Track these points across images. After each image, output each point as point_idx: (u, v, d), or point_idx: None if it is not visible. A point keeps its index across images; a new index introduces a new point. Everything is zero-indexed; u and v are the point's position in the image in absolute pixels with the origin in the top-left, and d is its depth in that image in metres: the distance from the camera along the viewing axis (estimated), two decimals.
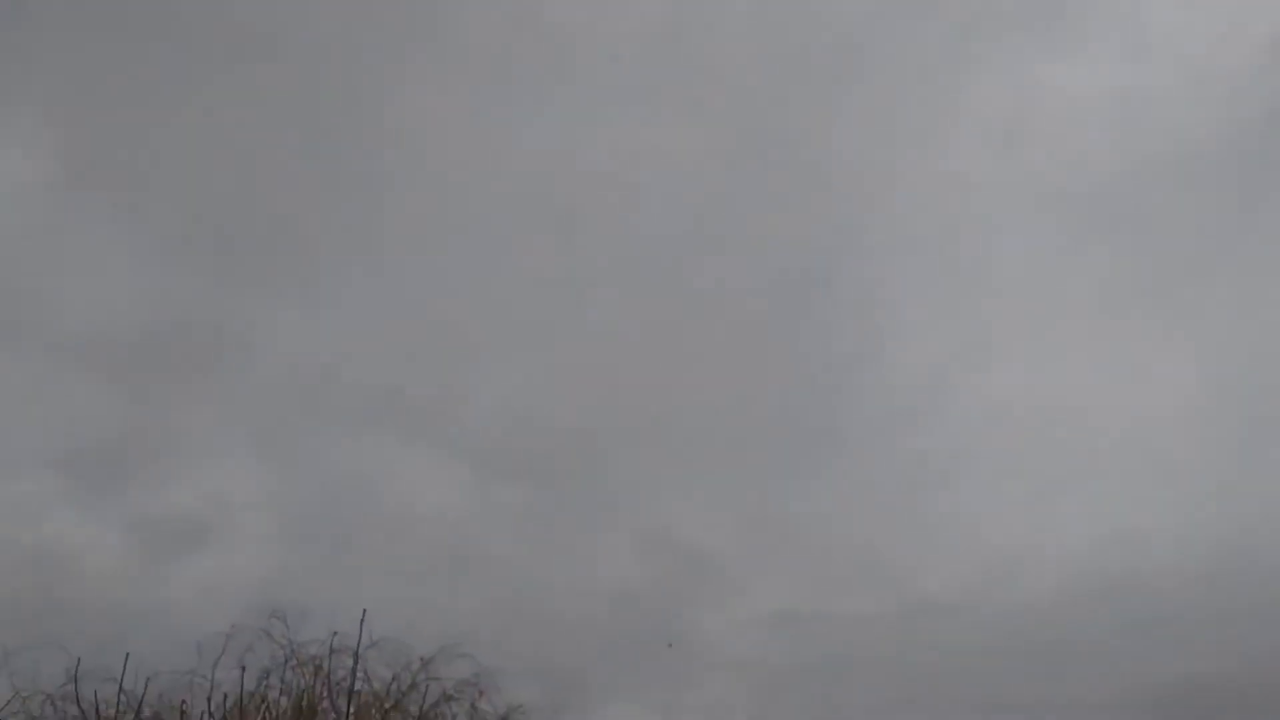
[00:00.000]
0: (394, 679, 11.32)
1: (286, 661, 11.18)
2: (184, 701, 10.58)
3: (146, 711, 10.76)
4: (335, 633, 11.46)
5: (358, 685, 11.04)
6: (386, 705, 11.15)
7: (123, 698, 10.81)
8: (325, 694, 11.07)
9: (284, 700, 10.97)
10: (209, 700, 10.64)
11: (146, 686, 10.74)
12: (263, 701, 10.86)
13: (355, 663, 11.20)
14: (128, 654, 10.85)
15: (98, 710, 10.75)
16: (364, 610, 11.31)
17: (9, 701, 10.65)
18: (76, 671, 10.76)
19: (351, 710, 10.90)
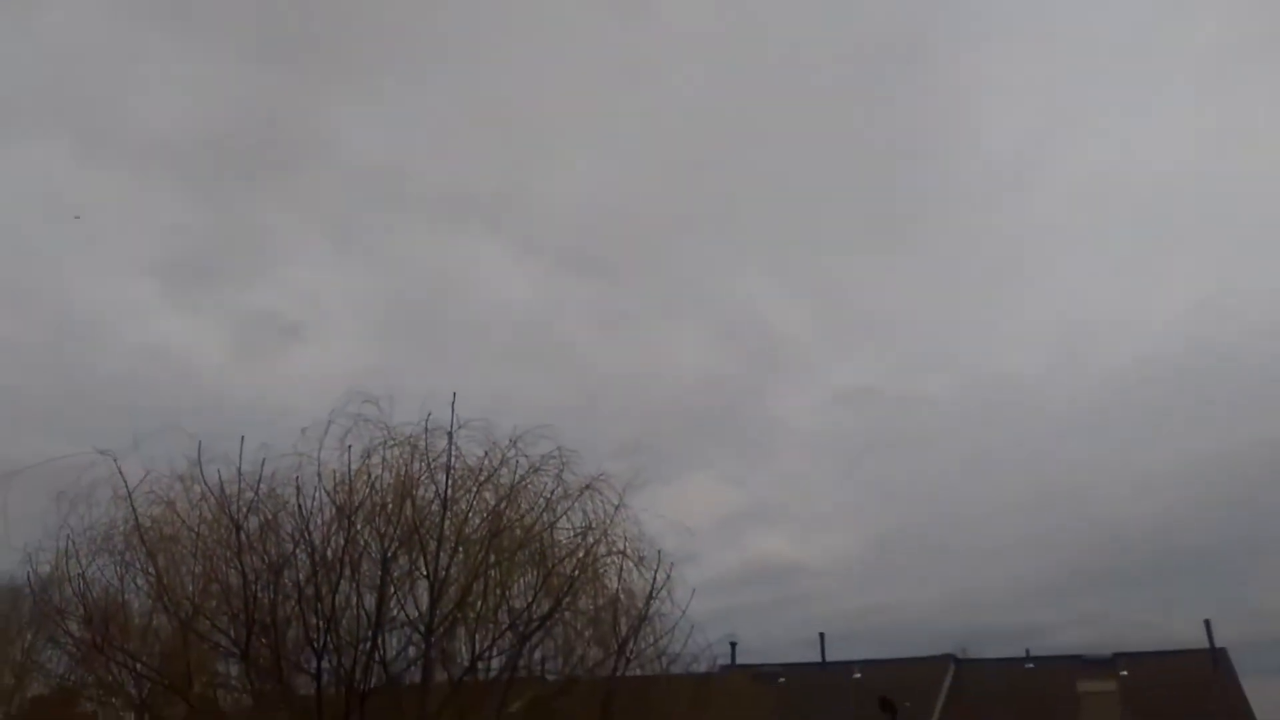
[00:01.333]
0: (484, 455, 12.14)
1: (385, 442, 11.99)
2: (297, 478, 11.51)
3: (264, 488, 11.73)
4: (429, 414, 12.14)
5: (452, 461, 11.87)
6: (480, 479, 12.02)
7: (241, 477, 11.76)
8: (423, 470, 11.94)
9: (386, 476, 11.88)
10: (319, 477, 11.56)
11: (262, 466, 11.65)
12: (367, 478, 11.75)
13: (449, 441, 11.97)
14: (242, 437, 11.70)
15: (221, 488, 11.78)
16: (454, 394, 11.97)
17: (141, 481, 11.71)
18: (199, 454, 11.72)
19: (448, 484, 11.78)
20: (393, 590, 11.49)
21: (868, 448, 68.29)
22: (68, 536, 11.54)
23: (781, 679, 28.10)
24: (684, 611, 12.29)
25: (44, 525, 11.55)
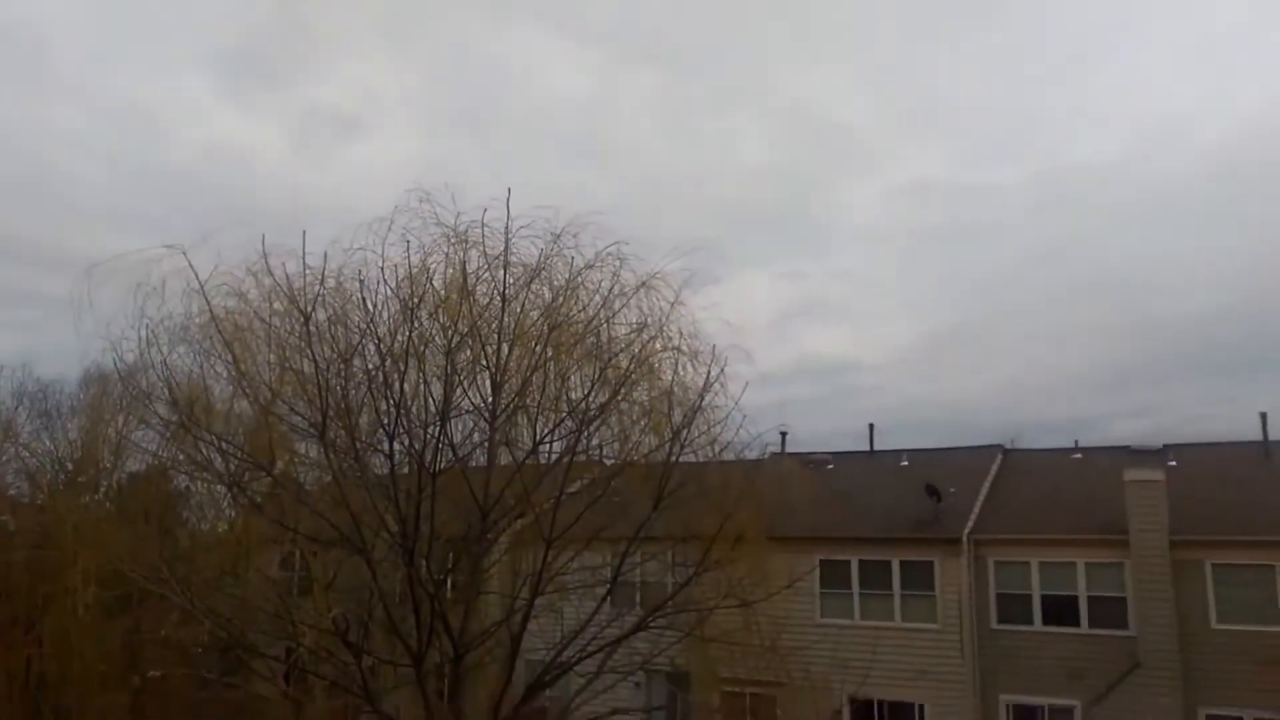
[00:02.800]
0: (541, 252, 12.30)
1: (445, 239, 12.18)
2: (360, 273, 11.85)
3: (330, 282, 12.11)
4: (485, 210, 12.21)
5: (509, 258, 12.06)
6: (535, 274, 12.24)
7: (307, 270, 12.12)
8: (483, 266, 12.17)
9: (447, 272, 12.14)
10: (382, 272, 11.87)
11: (325, 259, 11.96)
12: (428, 274, 12.03)
13: (506, 236, 12.11)
14: (304, 231, 11.97)
15: (289, 281, 12.19)
16: (509, 190, 11.97)
17: (211, 274, 12.14)
18: (264, 247, 12.05)
19: (505, 280, 12.03)
20: (457, 381, 12.03)
21: (928, 241, 67.18)
22: (147, 326, 12.17)
23: (830, 465, 29.17)
24: (736, 403, 12.66)
25: (124, 316, 12.15)
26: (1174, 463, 24.95)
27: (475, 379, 12.36)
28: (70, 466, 18.12)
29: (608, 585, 13.20)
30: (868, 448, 31.75)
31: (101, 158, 66.08)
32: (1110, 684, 21.01)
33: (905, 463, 28.69)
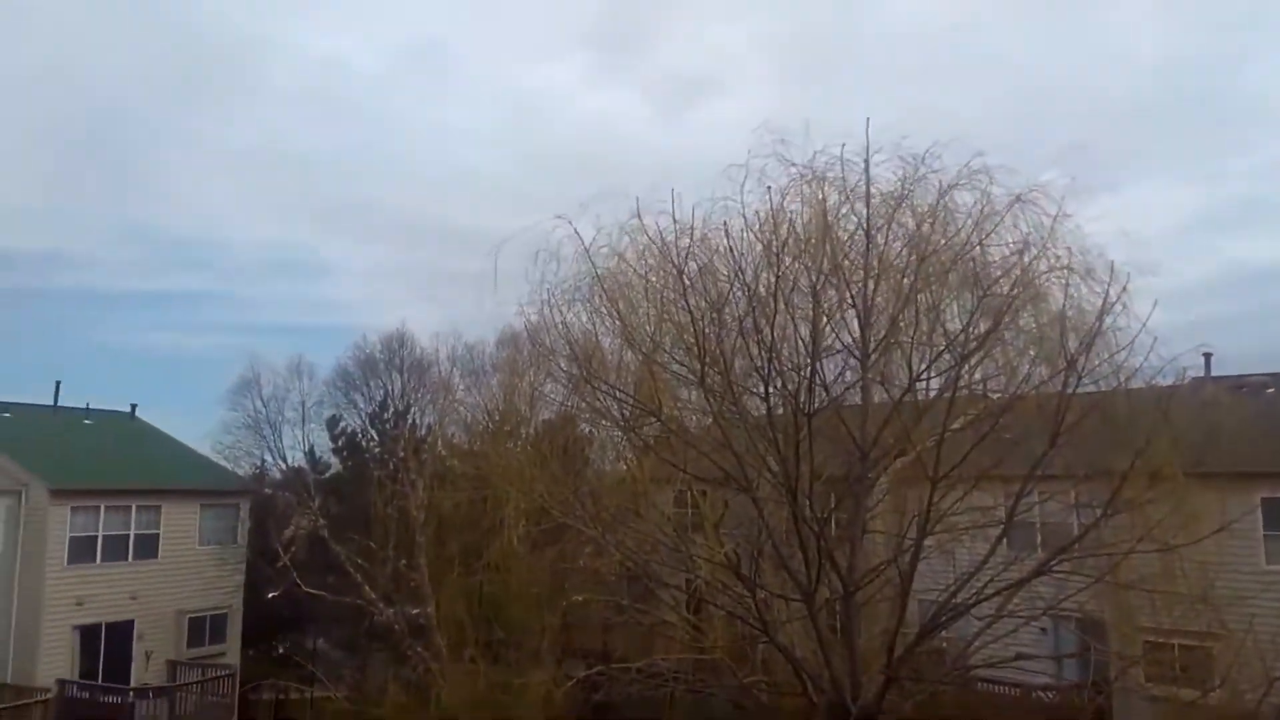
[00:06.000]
0: (901, 178, 11.70)
1: (802, 177, 12.03)
2: (724, 222, 12.10)
3: (697, 234, 12.53)
4: (844, 144, 11.89)
5: (870, 190, 11.62)
6: (899, 202, 11.67)
7: (677, 225, 12.63)
8: (842, 200, 11.86)
9: (806, 211, 12.01)
10: (744, 218, 12.03)
11: (692, 214, 12.38)
12: (787, 215, 11.99)
13: (866, 168, 11.68)
14: (673, 190, 12.46)
15: (661, 237, 12.79)
16: (866, 119, 11.53)
17: (594, 239, 13.10)
18: (638, 207, 12.75)
19: (868, 214, 11.62)
20: (824, 321, 11.91)
21: None
22: (546, 290, 13.51)
23: (1270, 389, 24.95)
24: (1144, 325, 11.20)
25: (527, 282, 13.58)
26: None
27: (843, 317, 12.15)
28: (496, 417, 20.79)
29: (1002, 526, 12.46)
30: None
31: (498, 145, 74.07)
32: None
33: None
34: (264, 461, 28.35)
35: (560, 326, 13.70)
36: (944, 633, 14.01)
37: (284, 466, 28.18)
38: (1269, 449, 21.05)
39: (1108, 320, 11.32)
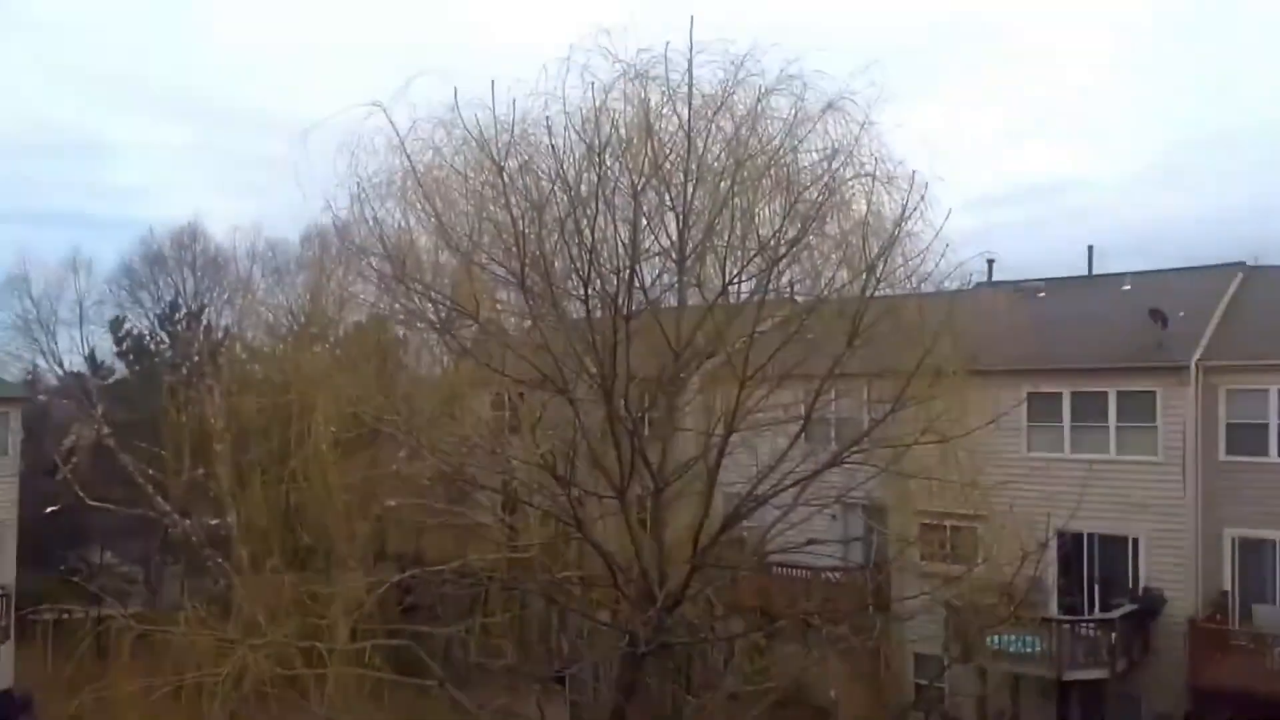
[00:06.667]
0: (722, 81, 11.82)
1: (625, 75, 11.90)
2: (546, 118, 11.84)
3: (517, 130, 12.18)
4: (668, 42, 11.80)
5: (691, 91, 11.67)
6: (720, 105, 11.82)
7: (497, 120, 12.20)
8: (664, 101, 11.87)
9: (628, 110, 11.94)
10: (565, 115, 11.82)
11: (513, 108, 11.98)
12: (610, 114, 11.88)
13: (689, 69, 11.69)
14: (493, 81, 11.97)
15: (480, 131, 12.34)
16: (691, 17, 11.46)
17: (410, 130, 12.48)
18: (455, 99, 12.21)
19: (689, 115, 11.70)
20: (644, 223, 12.03)
21: (1162, 37, 59.61)
22: (357, 184, 12.85)
23: (1042, 293, 27.50)
24: (937, 232, 11.99)
25: (335, 175, 12.87)
26: None
27: (662, 220, 12.32)
28: (302, 319, 19.88)
29: (802, 422, 13.24)
30: (1086, 273, 29.70)
31: (311, 25, 68.87)
32: None
33: (1128, 287, 26.64)
34: (36, 366, 26.00)
35: (372, 224, 13.16)
36: (745, 522, 14.85)
37: (60, 372, 25.97)
38: (1036, 349, 23.30)
39: (906, 227, 12.03)
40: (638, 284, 12.30)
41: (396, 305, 14.68)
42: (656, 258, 12.66)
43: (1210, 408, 21.40)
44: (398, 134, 12.34)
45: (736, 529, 14.90)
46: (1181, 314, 22.97)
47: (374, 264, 13.80)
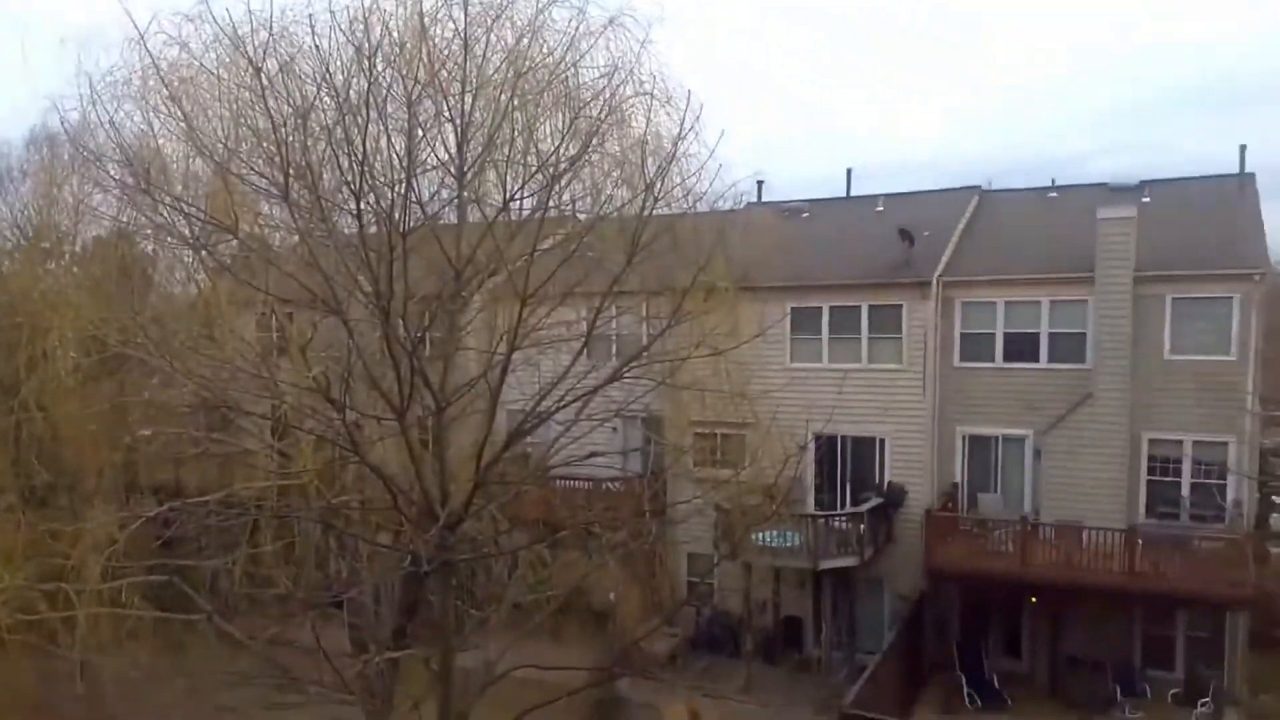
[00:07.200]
0: None
1: None
2: (310, 16, 11.00)
3: (277, 27, 11.23)
4: None
5: None
6: (500, 13, 11.43)
7: (253, 15, 11.17)
8: (440, 4, 11.29)
9: (400, 10, 11.27)
10: (332, 14, 11.02)
11: (271, 2, 11.02)
12: (380, 12, 11.19)
13: None
14: None
15: (234, 28, 11.26)
16: None
17: (150, 23, 11.19)
18: None
19: (465, 21, 11.22)
20: (420, 134, 11.51)
21: None
22: (88, 82, 11.43)
23: (805, 213, 29.05)
24: (712, 152, 12.24)
25: (60, 73, 11.36)
26: (1148, 199, 25.09)
27: (439, 132, 11.83)
28: (30, 232, 17.68)
29: (583, 339, 13.38)
30: (845, 194, 31.55)
31: None
32: (1062, 414, 22.21)
33: (881, 208, 28.62)
34: None
35: (109, 128, 11.78)
36: (529, 439, 14.97)
37: None
38: (799, 266, 24.68)
39: (682, 146, 12.19)
40: (414, 198, 11.81)
41: (143, 218, 13.34)
42: (434, 171, 12.19)
43: (948, 319, 23.61)
44: (136, 26, 11.04)
45: (520, 445, 14.97)
46: (926, 234, 25.00)
47: (113, 172, 12.44)
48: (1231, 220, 23.35)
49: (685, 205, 13.35)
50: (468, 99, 11.34)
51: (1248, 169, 25.63)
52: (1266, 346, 21.90)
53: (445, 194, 12.40)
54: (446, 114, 11.50)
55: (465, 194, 12.14)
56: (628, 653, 17.95)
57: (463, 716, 13.51)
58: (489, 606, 16.20)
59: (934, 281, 23.44)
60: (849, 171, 31.43)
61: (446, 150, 11.89)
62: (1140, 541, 20.26)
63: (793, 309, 24.15)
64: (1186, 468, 21.82)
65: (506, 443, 13.93)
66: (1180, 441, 21.80)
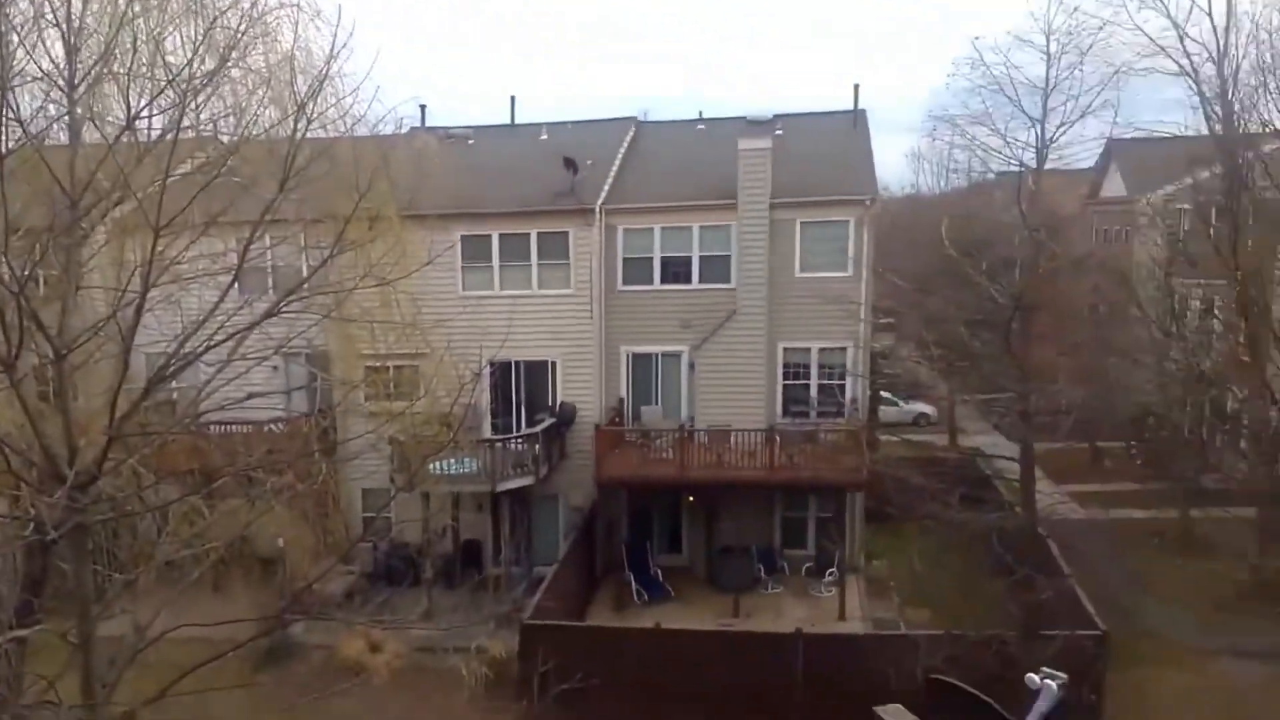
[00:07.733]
0: None
1: None
2: None
3: None
4: None
5: None
6: None
7: None
8: None
9: None
10: None
11: None
12: None
13: None
14: None
15: None
16: None
17: None
18: None
19: None
20: (16, 38, 9.81)
21: None
22: None
23: (471, 140, 28.64)
24: (368, 73, 11.62)
25: None
26: (780, 131, 27.44)
27: (41, 38, 10.16)
28: None
29: (233, 272, 12.36)
30: (509, 122, 31.44)
31: None
32: (712, 330, 24.13)
33: (545, 136, 28.89)
34: None
35: None
36: (174, 383, 13.69)
37: None
38: (467, 193, 24.39)
39: (336, 65, 11.44)
40: (12, 114, 10.12)
41: None
42: (37, 83, 10.49)
43: (611, 245, 24.58)
44: None
45: (164, 391, 13.65)
46: (590, 162, 25.65)
47: None
48: (847, 151, 26.24)
49: (343, 128, 12.63)
50: (77, 2, 9.84)
51: (860, 106, 28.87)
52: (877, 263, 25.06)
53: (54, 110, 10.75)
54: (50, 17, 9.91)
55: (78, 110, 10.60)
56: (299, 596, 17.28)
57: (109, 688, 12.38)
58: (137, 567, 14.84)
59: (597, 209, 24.21)
60: (513, 99, 31.34)
61: (51, 59, 10.27)
62: (778, 439, 22.70)
63: (463, 237, 23.93)
64: (814, 371, 24.64)
65: (145, 390, 12.62)
66: (808, 349, 24.52)
